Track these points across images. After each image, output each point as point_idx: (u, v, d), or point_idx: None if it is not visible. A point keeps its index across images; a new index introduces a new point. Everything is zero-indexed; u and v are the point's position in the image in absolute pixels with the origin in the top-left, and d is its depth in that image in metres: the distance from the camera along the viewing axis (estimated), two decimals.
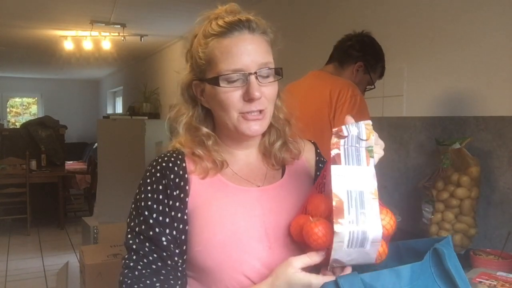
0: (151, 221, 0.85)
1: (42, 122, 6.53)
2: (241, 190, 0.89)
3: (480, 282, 1.20)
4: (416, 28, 2.16)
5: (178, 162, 0.89)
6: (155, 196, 0.86)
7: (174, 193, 0.86)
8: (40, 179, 5.68)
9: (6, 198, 5.43)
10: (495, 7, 1.79)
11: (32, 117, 9.89)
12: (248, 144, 0.94)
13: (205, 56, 0.86)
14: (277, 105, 0.94)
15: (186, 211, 0.86)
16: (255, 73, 0.83)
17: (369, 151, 0.73)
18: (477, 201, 1.63)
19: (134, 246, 0.85)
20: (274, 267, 0.79)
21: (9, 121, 10.78)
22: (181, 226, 0.85)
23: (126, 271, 0.84)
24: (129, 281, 0.81)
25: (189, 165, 0.90)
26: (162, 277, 0.82)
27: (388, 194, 2.14)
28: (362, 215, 0.68)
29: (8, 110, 11.00)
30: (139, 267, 0.83)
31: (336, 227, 0.67)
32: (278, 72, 0.89)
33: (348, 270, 0.74)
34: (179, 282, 0.85)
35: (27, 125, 6.54)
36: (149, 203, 0.86)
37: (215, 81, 0.85)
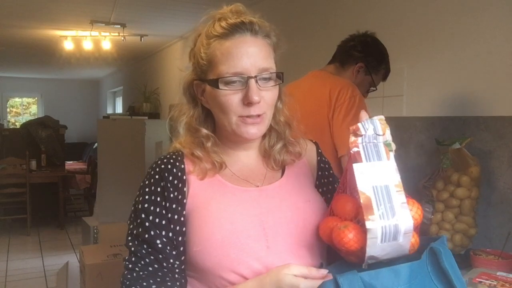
0: (147, 223, 0.85)
1: (42, 122, 6.54)
2: (240, 190, 0.89)
3: (480, 282, 1.21)
4: (416, 29, 2.16)
5: (177, 163, 0.90)
6: (153, 198, 0.87)
7: (172, 195, 0.86)
8: (40, 179, 5.68)
9: (6, 198, 5.43)
10: (495, 8, 1.79)
11: (32, 117, 9.89)
12: (247, 145, 0.94)
13: (207, 57, 0.86)
14: (278, 108, 0.94)
15: (184, 212, 0.86)
16: (255, 77, 0.83)
17: (388, 145, 0.74)
18: (477, 201, 1.63)
19: (132, 248, 0.86)
20: (273, 266, 0.80)
21: (9, 121, 10.79)
22: (177, 227, 0.85)
23: (125, 272, 0.85)
24: (127, 282, 0.83)
25: (188, 165, 0.90)
26: (159, 279, 0.83)
27: None
28: (391, 208, 0.69)
29: (8, 110, 11.00)
30: (137, 268, 0.84)
31: (368, 224, 0.68)
32: (279, 77, 0.88)
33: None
34: (177, 284, 0.85)
35: (27, 125, 6.54)
36: (146, 205, 0.87)
37: (214, 83, 0.84)
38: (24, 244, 5.16)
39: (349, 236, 0.72)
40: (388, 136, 0.74)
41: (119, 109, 9.77)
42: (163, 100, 6.27)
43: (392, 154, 0.74)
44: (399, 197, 0.70)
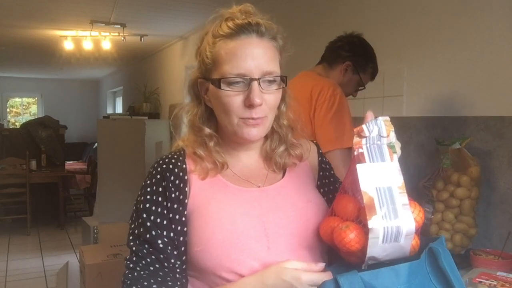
0: (148, 223, 0.85)
1: (42, 122, 6.54)
2: (241, 190, 0.89)
3: (480, 282, 1.21)
4: (416, 28, 2.16)
5: (179, 163, 0.90)
6: (154, 198, 0.87)
7: (173, 195, 0.86)
8: (40, 179, 5.68)
9: (6, 198, 5.43)
10: (495, 8, 1.79)
11: (32, 117, 9.89)
12: (249, 146, 0.94)
13: (212, 56, 0.86)
14: (281, 111, 0.94)
15: (185, 212, 0.86)
16: (258, 79, 0.82)
17: (391, 147, 0.75)
18: (477, 201, 1.63)
19: (134, 248, 0.86)
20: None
21: (9, 121, 10.78)
22: (179, 227, 0.85)
23: (127, 271, 0.85)
24: (128, 282, 0.83)
25: (190, 165, 0.90)
26: (159, 279, 0.83)
27: None
28: (393, 210, 0.69)
29: (8, 110, 11.00)
30: (138, 268, 0.84)
31: (370, 224, 0.68)
32: (282, 80, 0.88)
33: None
34: (178, 283, 0.85)
35: (27, 125, 6.54)
36: (147, 205, 0.87)
37: (217, 83, 0.84)
38: (24, 244, 5.16)
39: (350, 236, 0.72)
40: (393, 138, 0.75)
41: (119, 109, 9.77)
42: (163, 100, 6.27)
43: (395, 156, 0.74)
44: (402, 199, 0.70)
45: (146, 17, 4.48)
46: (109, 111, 10.29)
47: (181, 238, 0.85)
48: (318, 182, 1.00)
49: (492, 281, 1.21)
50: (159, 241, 0.84)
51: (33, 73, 9.92)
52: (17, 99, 11.32)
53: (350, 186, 0.79)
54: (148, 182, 0.89)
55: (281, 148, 0.95)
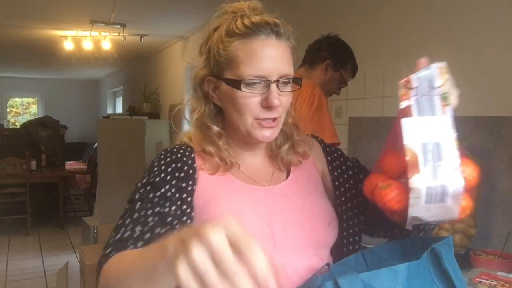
0: (157, 194, 0.82)
1: (42, 122, 6.54)
2: (248, 188, 0.89)
3: (480, 282, 1.21)
4: (415, 29, 2.16)
5: (187, 154, 0.88)
6: (162, 175, 0.84)
7: (183, 185, 0.85)
8: (40, 179, 5.68)
9: (6, 198, 5.43)
10: (495, 7, 1.79)
11: (32, 117, 9.89)
12: (255, 146, 0.94)
13: (226, 55, 0.83)
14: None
15: (193, 204, 0.84)
16: (277, 81, 0.82)
17: (444, 98, 0.67)
18: (477, 201, 1.63)
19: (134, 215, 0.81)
20: (279, 266, 0.79)
21: (9, 121, 10.79)
22: (184, 218, 0.83)
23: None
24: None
25: (198, 161, 0.89)
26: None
27: None
28: (439, 168, 0.64)
29: (8, 110, 11.00)
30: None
31: (412, 182, 0.64)
32: (297, 82, 0.87)
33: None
34: None
35: (27, 125, 6.54)
36: (158, 179, 0.83)
37: (235, 84, 0.82)
38: (24, 244, 5.16)
39: (391, 195, 0.70)
40: (447, 87, 0.68)
41: (119, 109, 9.77)
42: (163, 100, 6.28)
43: (449, 108, 0.67)
44: (451, 155, 0.64)
45: (146, 17, 4.48)
46: (109, 111, 10.29)
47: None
48: (331, 177, 0.99)
49: (492, 281, 1.21)
50: (168, 210, 0.80)
51: (33, 73, 9.93)
52: (17, 99, 11.32)
53: (395, 141, 0.73)
54: (156, 163, 0.87)
55: (287, 145, 0.95)
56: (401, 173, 0.71)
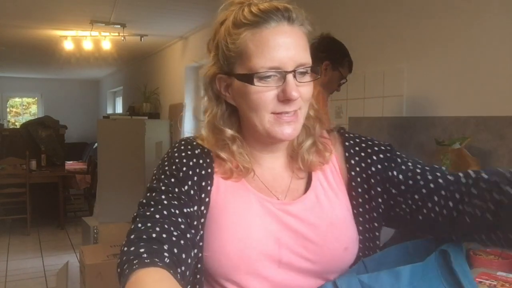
0: (182, 190, 0.77)
1: (42, 122, 6.54)
2: (262, 199, 0.81)
3: (480, 282, 1.21)
4: (416, 28, 2.16)
5: (206, 151, 0.83)
6: (191, 173, 0.79)
7: (203, 183, 0.80)
8: (40, 179, 5.68)
9: (6, 198, 5.43)
10: (495, 8, 1.79)
11: (32, 117, 9.89)
12: (276, 147, 0.85)
13: (236, 48, 0.76)
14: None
15: (209, 205, 0.80)
16: (294, 71, 0.74)
17: None
18: None
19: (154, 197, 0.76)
20: (281, 286, 0.77)
21: (9, 121, 10.78)
22: (202, 220, 0.79)
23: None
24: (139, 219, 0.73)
25: (214, 162, 0.83)
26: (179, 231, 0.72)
27: None
28: None
29: (8, 110, 11.00)
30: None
31: None
32: (315, 71, 0.79)
33: None
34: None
35: (27, 125, 6.54)
36: (182, 173, 0.79)
37: (247, 79, 0.75)
38: (24, 244, 5.16)
39: None
40: None
41: (119, 109, 9.77)
42: (163, 100, 6.27)
43: None
44: None
45: (146, 17, 4.48)
46: (109, 111, 10.29)
47: (198, 237, 0.77)
48: (347, 165, 0.85)
49: (492, 281, 1.21)
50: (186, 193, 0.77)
51: (33, 73, 9.93)
52: (17, 99, 11.32)
53: None
54: (176, 154, 0.82)
55: (309, 142, 0.84)
56: None
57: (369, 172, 0.82)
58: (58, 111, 8.98)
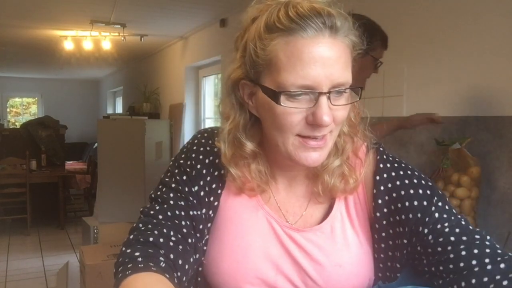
0: (192, 190, 0.74)
1: (42, 122, 6.54)
2: (269, 217, 0.75)
3: None
4: (416, 28, 2.16)
5: (218, 160, 0.76)
6: (204, 171, 0.76)
7: (213, 186, 0.76)
8: (40, 179, 5.68)
9: (6, 198, 5.43)
10: (495, 8, 1.79)
11: (32, 117, 9.89)
12: (297, 167, 0.75)
13: (265, 56, 0.65)
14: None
15: (218, 210, 0.77)
16: (329, 93, 0.63)
17: None
18: (477, 201, 1.64)
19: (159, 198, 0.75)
20: None
21: (9, 121, 10.78)
22: (208, 224, 0.76)
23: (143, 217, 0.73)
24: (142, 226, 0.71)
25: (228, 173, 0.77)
26: (179, 235, 0.70)
27: None
28: None
29: (8, 110, 11.00)
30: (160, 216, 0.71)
31: None
32: (356, 92, 0.68)
33: None
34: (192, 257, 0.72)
35: (27, 125, 6.54)
36: (195, 171, 0.75)
37: (274, 96, 0.65)
38: (24, 244, 5.16)
39: None
40: None
41: (119, 109, 9.76)
42: (163, 100, 6.27)
43: None
44: None
45: (146, 17, 4.48)
46: (109, 111, 10.29)
47: (203, 242, 0.75)
48: (375, 190, 0.73)
49: None
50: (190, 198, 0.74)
51: (33, 73, 9.93)
52: (17, 99, 11.32)
53: None
54: (195, 148, 0.78)
55: (335, 163, 0.73)
56: None
57: (397, 218, 0.70)
58: (58, 111, 8.98)
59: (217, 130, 0.78)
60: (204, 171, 0.75)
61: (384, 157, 0.75)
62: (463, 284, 0.62)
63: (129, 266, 0.61)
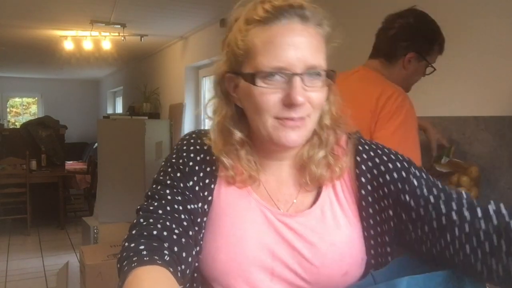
0: (188, 185, 0.77)
1: (42, 122, 6.54)
2: (262, 209, 0.77)
3: None
4: None
5: (212, 152, 0.80)
6: (197, 168, 0.79)
7: (207, 181, 0.78)
8: (40, 179, 5.68)
9: (6, 198, 5.43)
10: (496, 8, 1.79)
11: (32, 117, 9.89)
12: (282, 155, 0.80)
13: (244, 46, 0.72)
14: (324, 110, 0.78)
15: (212, 204, 0.78)
16: (301, 74, 0.69)
17: None
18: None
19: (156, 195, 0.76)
20: None
21: (9, 121, 10.79)
22: (205, 218, 0.78)
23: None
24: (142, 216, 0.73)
25: (219, 167, 0.80)
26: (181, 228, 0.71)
27: None
28: None
29: (8, 110, 11.00)
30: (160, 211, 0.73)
31: None
32: (330, 76, 0.73)
33: None
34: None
35: (27, 125, 6.54)
36: (188, 167, 0.78)
37: (250, 78, 0.70)
38: (24, 244, 5.17)
39: None
40: None
41: (119, 109, 9.77)
42: (163, 100, 6.27)
43: None
44: None
45: (146, 17, 4.48)
46: (109, 111, 10.29)
47: (199, 239, 0.77)
48: (357, 182, 0.78)
49: None
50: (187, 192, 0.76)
51: (33, 73, 9.93)
52: (17, 99, 11.32)
53: None
54: (185, 147, 0.81)
55: (320, 154, 0.78)
56: None
57: (381, 193, 0.76)
58: (58, 111, 8.98)
59: (204, 131, 0.83)
60: (196, 167, 0.79)
61: (363, 141, 0.82)
62: (448, 236, 0.67)
63: (134, 259, 0.61)
